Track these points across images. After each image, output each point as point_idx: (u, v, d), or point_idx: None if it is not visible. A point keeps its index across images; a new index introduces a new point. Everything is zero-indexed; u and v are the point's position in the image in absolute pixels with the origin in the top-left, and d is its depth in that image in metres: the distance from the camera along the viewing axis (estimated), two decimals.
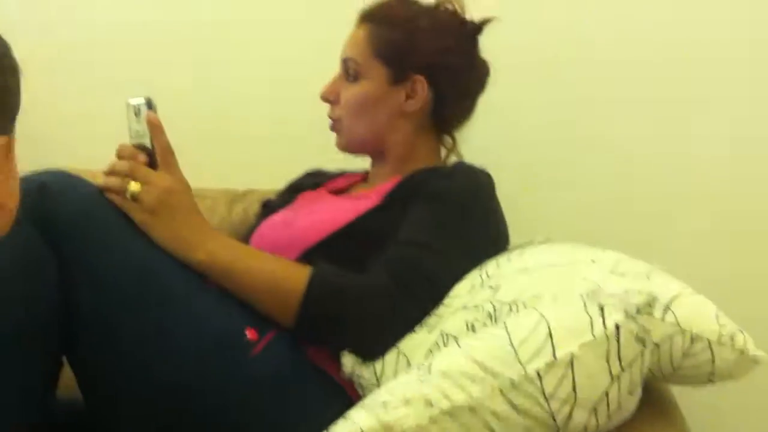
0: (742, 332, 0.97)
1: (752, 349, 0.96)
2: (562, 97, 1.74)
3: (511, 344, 0.92)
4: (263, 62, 1.88)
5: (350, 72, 1.38)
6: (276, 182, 1.60)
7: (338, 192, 1.48)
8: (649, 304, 0.94)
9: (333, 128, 1.42)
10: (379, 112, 1.38)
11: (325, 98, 1.40)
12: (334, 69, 1.41)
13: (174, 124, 1.17)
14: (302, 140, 1.79)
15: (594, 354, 0.91)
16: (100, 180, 1.13)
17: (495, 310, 1.04)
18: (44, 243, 1.05)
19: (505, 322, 0.96)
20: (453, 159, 1.47)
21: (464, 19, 1.41)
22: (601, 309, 0.93)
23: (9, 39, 0.79)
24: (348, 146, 1.42)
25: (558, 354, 0.90)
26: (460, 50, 1.40)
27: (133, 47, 1.92)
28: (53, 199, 1.06)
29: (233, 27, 1.89)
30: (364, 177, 1.50)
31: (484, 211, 1.28)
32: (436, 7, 1.41)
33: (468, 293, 1.11)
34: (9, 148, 0.78)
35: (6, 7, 1.96)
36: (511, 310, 1.02)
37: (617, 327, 0.91)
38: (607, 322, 0.92)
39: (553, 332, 0.92)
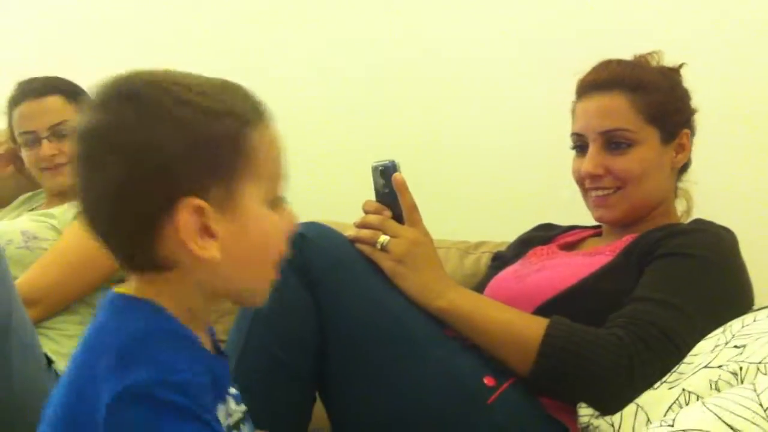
0: None
1: None
2: None
3: (761, 404, 0.90)
4: (493, 119, 1.95)
5: (619, 141, 1.34)
6: (507, 236, 1.65)
7: (569, 247, 1.50)
8: None
9: (604, 203, 1.38)
10: (657, 175, 1.37)
11: (594, 175, 1.36)
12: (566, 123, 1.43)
13: (413, 181, 1.26)
14: (533, 195, 1.83)
15: None
16: (350, 232, 1.23)
17: (741, 370, 1.01)
18: (303, 288, 1.16)
19: (753, 383, 0.94)
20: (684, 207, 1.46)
21: (677, 67, 1.43)
22: None
23: None
24: (624, 217, 1.38)
25: None
26: (689, 95, 1.42)
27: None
28: (311, 248, 1.18)
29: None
30: (596, 231, 1.51)
31: (726, 268, 1.25)
32: (652, 61, 1.43)
33: (711, 352, 1.08)
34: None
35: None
36: (758, 371, 0.99)
37: None
38: None
39: None
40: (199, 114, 0.75)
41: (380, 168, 1.24)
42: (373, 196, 1.27)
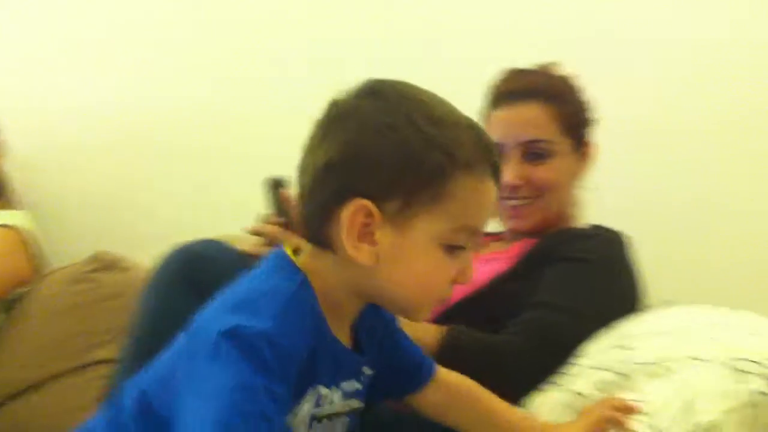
0: None
1: None
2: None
3: (648, 412, 0.92)
4: None
5: (538, 152, 1.35)
6: None
7: None
8: None
9: (519, 213, 1.38)
10: (569, 184, 1.40)
11: (514, 185, 1.36)
12: None
13: None
14: None
15: (737, 421, 0.89)
16: (246, 246, 1.21)
17: (629, 371, 1.03)
18: (197, 305, 1.13)
19: (644, 389, 0.96)
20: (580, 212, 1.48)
21: (574, 77, 1.44)
22: (742, 375, 0.92)
23: None
24: (536, 226, 1.39)
25: (701, 420, 0.89)
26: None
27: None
28: (205, 265, 1.16)
29: None
30: (493, 236, 1.51)
31: (618, 273, 1.28)
32: (556, 71, 1.44)
33: (600, 353, 1.10)
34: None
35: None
36: (646, 372, 1.01)
37: (759, 394, 0.90)
38: (747, 388, 0.91)
39: (695, 399, 0.91)
40: (420, 139, 0.78)
41: (271, 182, 1.24)
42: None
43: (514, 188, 1.36)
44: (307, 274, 0.81)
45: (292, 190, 1.23)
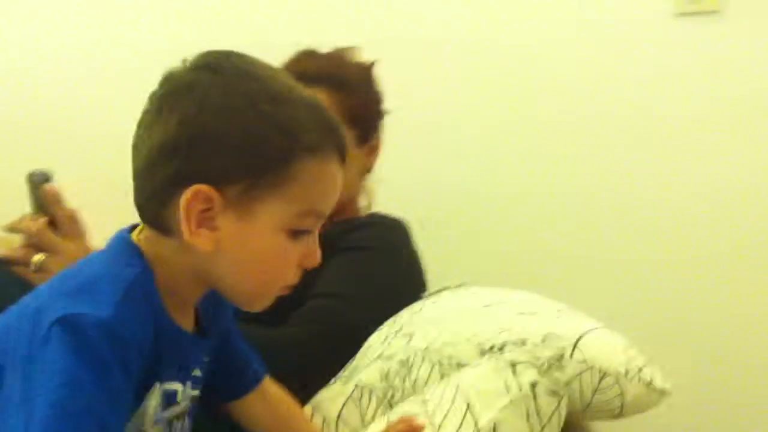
0: (649, 366, 0.98)
1: (659, 382, 0.97)
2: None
3: (432, 423, 0.93)
4: None
5: None
6: None
7: None
8: (561, 353, 0.96)
9: None
10: (350, 175, 1.35)
11: None
12: None
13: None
14: None
15: (514, 415, 0.92)
16: (1, 250, 1.12)
17: (410, 359, 1.04)
18: None
19: (424, 396, 0.97)
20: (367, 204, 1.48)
21: (371, 65, 1.42)
22: (514, 367, 0.95)
23: None
24: None
25: (481, 423, 0.91)
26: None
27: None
28: None
29: None
30: None
31: (398, 259, 1.29)
32: (351, 58, 1.41)
33: (383, 342, 1.11)
34: None
35: None
36: (428, 360, 1.02)
37: (532, 385, 0.93)
38: (521, 381, 0.94)
39: (472, 401, 0.93)
40: (261, 121, 0.75)
41: (34, 177, 1.14)
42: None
43: None
44: (148, 259, 0.77)
45: (57, 185, 1.14)
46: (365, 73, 1.40)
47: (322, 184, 0.79)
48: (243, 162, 0.75)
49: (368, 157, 1.39)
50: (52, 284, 0.77)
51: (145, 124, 0.77)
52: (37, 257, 1.09)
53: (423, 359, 1.03)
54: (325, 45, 1.39)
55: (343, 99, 1.30)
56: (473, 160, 1.77)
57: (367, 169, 1.42)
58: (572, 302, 1.10)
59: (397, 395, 1.03)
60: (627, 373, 0.96)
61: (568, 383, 0.95)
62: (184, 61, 0.78)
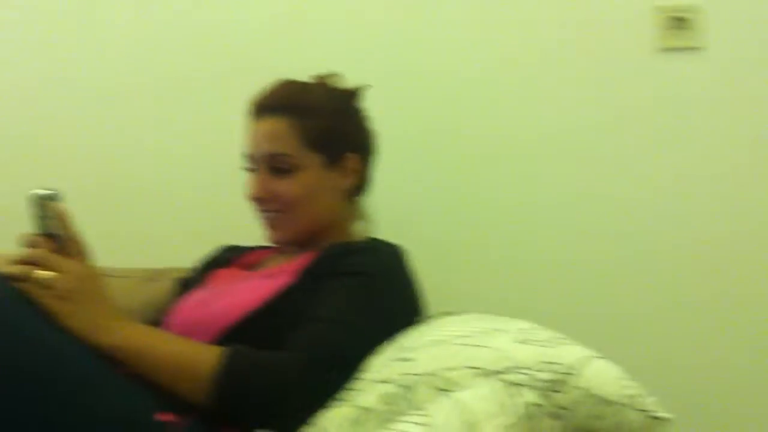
0: (646, 394, 1.01)
1: (657, 411, 1.00)
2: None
3: None
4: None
5: (281, 167, 1.38)
6: (192, 259, 1.60)
7: (250, 267, 1.49)
8: (561, 378, 0.98)
9: (272, 225, 1.42)
10: (322, 198, 1.41)
11: (259, 198, 1.40)
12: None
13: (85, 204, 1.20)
14: (219, 216, 1.81)
15: None
16: (8, 267, 1.12)
17: (411, 383, 1.06)
18: None
19: (425, 413, 0.98)
20: (362, 228, 1.51)
21: (353, 90, 1.47)
22: (515, 389, 0.97)
23: None
24: (294, 238, 1.42)
25: None
26: (364, 118, 1.48)
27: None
28: None
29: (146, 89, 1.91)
30: (277, 249, 1.51)
31: (397, 285, 1.31)
32: (328, 84, 1.47)
33: (383, 366, 1.12)
34: None
35: None
36: (427, 384, 1.04)
37: (533, 406, 0.95)
38: (522, 402, 0.96)
39: (472, 420, 0.94)
40: None
41: (40, 197, 1.15)
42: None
43: (262, 201, 1.40)
44: None
45: (65, 205, 1.15)
46: (337, 97, 1.45)
47: None
48: None
49: (344, 179, 1.43)
50: None
51: None
52: (43, 274, 1.10)
53: (423, 383, 1.05)
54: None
55: (300, 124, 1.39)
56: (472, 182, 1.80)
57: (348, 191, 1.45)
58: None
59: (398, 419, 1.04)
60: (626, 401, 0.99)
61: (568, 408, 0.97)
62: None
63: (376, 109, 1.49)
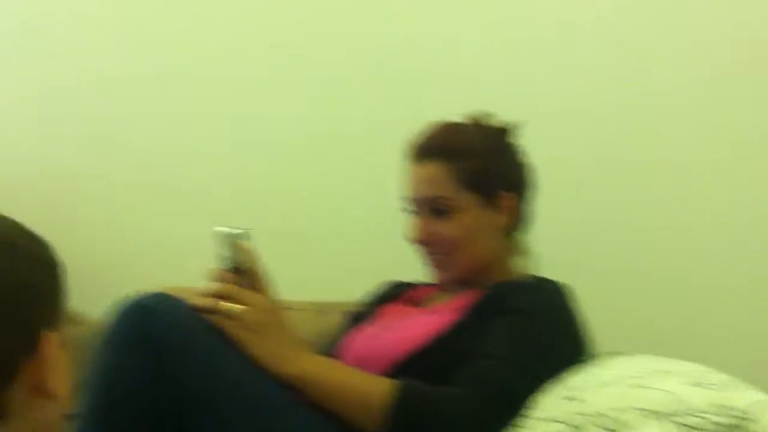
0: None
1: None
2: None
3: None
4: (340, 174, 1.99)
5: (441, 209, 1.41)
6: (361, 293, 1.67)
7: (416, 303, 1.54)
8: (737, 423, 0.96)
9: (437, 266, 1.45)
10: (482, 237, 1.43)
11: (421, 241, 1.44)
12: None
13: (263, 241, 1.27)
14: (386, 252, 1.87)
15: None
16: (196, 301, 1.21)
17: (581, 423, 1.06)
18: (147, 360, 1.13)
19: None
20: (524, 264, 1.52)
21: (504, 127, 1.49)
22: (689, 431, 0.96)
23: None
24: (458, 277, 1.45)
25: None
26: (518, 154, 1.49)
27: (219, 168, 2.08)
28: (155, 319, 1.16)
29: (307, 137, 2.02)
30: (441, 286, 1.54)
31: (560, 323, 1.32)
32: (481, 123, 1.49)
33: (551, 405, 1.13)
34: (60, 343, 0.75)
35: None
36: (597, 425, 1.04)
37: None
38: None
39: None
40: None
41: (230, 235, 1.24)
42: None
43: (425, 243, 1.44)
44: None
45: (252, 243, 1.24)
46: (489, 136, 1.47)
47: None
48: None
49: (500, 216, 1.44)
50: None
51: None
52: (232, 306, 1.19)
53: (593, 423, 1.05)
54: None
55: (454, 167, 1.41)
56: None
57: (505, 228, 1.46)
58: None
59: None
60: None
61: None
62: None
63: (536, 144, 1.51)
